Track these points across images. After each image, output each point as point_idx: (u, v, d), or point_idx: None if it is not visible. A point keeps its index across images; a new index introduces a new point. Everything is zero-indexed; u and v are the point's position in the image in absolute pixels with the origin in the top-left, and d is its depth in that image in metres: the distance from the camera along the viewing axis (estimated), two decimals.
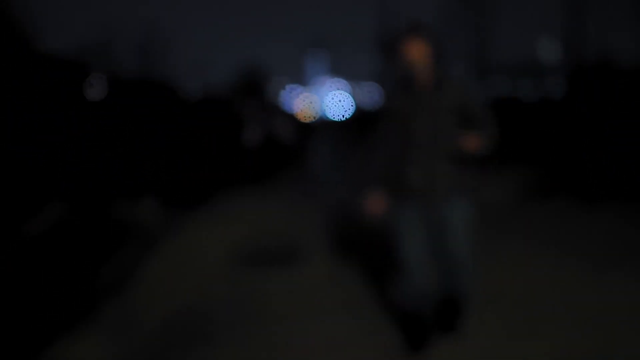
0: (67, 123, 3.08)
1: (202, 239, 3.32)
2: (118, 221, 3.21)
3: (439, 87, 1.74)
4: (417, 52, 1.73)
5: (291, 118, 12.29)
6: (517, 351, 1.68)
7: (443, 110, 1.66)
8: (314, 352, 1.75)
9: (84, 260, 2.56)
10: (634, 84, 4.62)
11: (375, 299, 2.24)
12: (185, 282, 2.54)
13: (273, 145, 7.84)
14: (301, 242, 3.21)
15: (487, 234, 2.74)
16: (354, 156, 9.07)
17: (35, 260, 2.37)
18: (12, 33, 2.69)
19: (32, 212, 2.57)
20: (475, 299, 1.94)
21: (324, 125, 23.42)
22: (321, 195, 5.20)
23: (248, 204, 4.64)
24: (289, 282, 2.48)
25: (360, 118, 19.60)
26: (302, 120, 16.61)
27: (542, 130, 5.80)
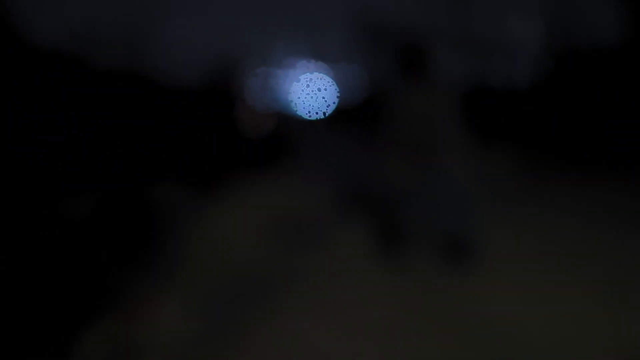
0: (76, 119, 3.37)
1: (229, 220, 3.83)
2: (148, 207, 3.54)
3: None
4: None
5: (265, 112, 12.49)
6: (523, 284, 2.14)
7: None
8: (360, 305, 2.11)
9: (127, 245, 2.91)
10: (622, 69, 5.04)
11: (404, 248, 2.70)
12: (225, 257, 2.99)
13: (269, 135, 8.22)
14: (327, 216, 3.76)
15: (494, 204, 3.32)
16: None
17: (76, 244, 2.68)
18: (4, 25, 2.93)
19: (63, 201, 2.89)
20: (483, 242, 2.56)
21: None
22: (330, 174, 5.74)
23: (266, 186, 5.14)
24: (323, 253, 2.84)
25: (348, 115, 18.92)
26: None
27: (532, 112, 6.24)
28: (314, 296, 2.32)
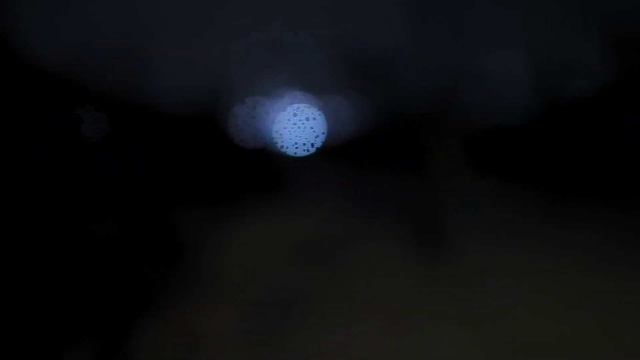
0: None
1: (251, 239, 4.16)
2: (171, 226, 3.80)
3: None
4: None
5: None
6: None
7: None
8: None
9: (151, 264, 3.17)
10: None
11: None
12: (255, 274, 3.32)
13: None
14: (342, 238, 4.15)
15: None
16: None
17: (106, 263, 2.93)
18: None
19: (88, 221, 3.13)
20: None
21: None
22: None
23: (277, 208, 5.58)
24: (344, 272, 3.34)
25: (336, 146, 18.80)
26: None
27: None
28: (337, 307, 2.68)
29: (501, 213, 4.75)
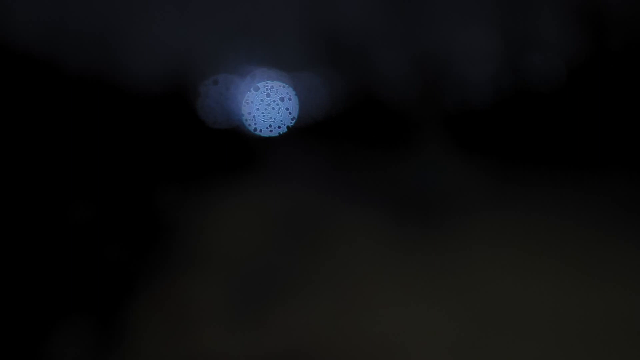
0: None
1: (227, 223, 4.15)
2: (149, 209, 3.77)
3: None
4: None
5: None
6: None
7: None
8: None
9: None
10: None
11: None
12: (238, 252, 3.35)
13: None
14: (319, 215, 4.24)
15: None
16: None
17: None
18: None
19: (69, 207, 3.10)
20: None
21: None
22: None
23: (250, 192, 5.62)
24: (324, 248, 3.38)
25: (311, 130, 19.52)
26: None
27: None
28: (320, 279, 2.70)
29: (477, 185, 4.76)
